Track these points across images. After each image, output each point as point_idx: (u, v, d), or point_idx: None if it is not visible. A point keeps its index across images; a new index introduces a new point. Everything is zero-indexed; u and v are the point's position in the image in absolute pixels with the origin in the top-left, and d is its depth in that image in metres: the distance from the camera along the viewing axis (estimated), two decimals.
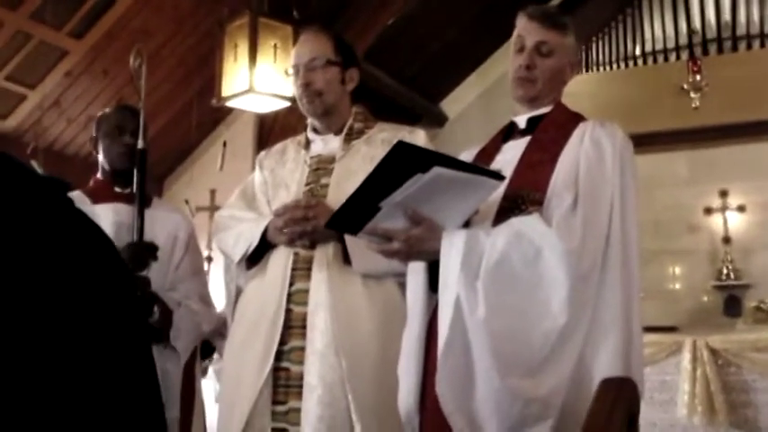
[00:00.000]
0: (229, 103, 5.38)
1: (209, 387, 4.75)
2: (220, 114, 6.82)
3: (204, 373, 4.08)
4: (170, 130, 6.58)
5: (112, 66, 5.96)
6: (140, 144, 3.07)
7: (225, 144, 5.21)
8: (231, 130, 6.97)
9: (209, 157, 6.95)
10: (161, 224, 3.20)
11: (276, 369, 2.59)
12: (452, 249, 2.06)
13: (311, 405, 2.51)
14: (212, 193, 6.41)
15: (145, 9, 5.77)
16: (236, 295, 2.86)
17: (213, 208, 6.23)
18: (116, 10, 5.70)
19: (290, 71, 2.85)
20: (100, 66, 6.01)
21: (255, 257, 2.77)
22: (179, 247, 3.27)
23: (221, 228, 2.91)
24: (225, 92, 5.25)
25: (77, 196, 3.13)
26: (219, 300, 3.21)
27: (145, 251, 3.00)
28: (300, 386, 2.55)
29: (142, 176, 3.07)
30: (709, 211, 7.20)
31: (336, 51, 2.82)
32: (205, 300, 3.34)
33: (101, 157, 3.25)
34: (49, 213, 0.87)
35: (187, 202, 6.03)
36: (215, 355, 3.77)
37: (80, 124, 6.37)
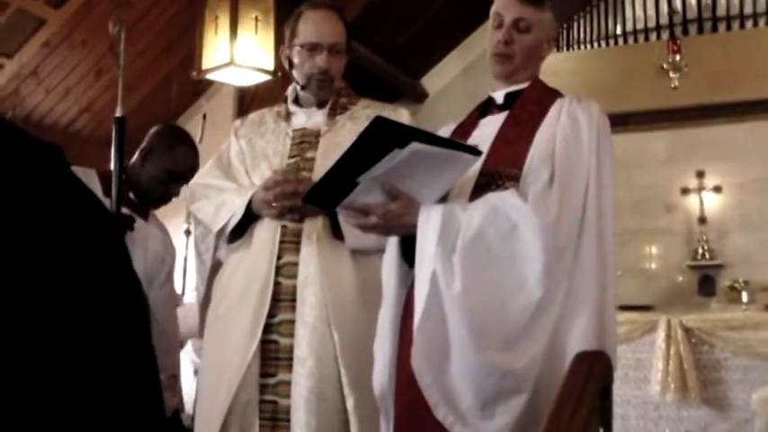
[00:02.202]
0: (210, 76, 5.35)
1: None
2: (201, 87, 6.78)
3: None
4: (150, 101, 6.53)
5: (91, 36, 5.90)
6: (118, 112, 3.07)
7: (204, 117, 5.19)
8: (211, 102, 6.93)
9: (188, 130, 6.89)
10: (153, 241, 3.27)
11: (264, 342, 2.59)
12: (429, 224, 2.08)
13: (301, 377, 2.53)
14: None
15: None
16: (211, 267, 2.85)
17: None
18: None
19: (300, 44, 2.80)
20: (78, 36, 5.95)
21: (237, 229, 2.75)
22: (165, 271, 3.37)
23: (198, 196, 2.89)
24: (205, 64, 5.22)
25: (90, 175, 3.15)
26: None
27: (121, 222, 3.02)
28: (290, 359, 2.56)
29: (120, 145, 3.07)
30: (685, 191, 7.25)
31: (347, 38, 2.83)
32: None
33: (135, 169, 3.27)
34: (50, 180, 0.86)
35: None
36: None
37: (58, 94, 6.31)
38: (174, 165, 3.26)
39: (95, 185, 3.12)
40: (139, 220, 3.22)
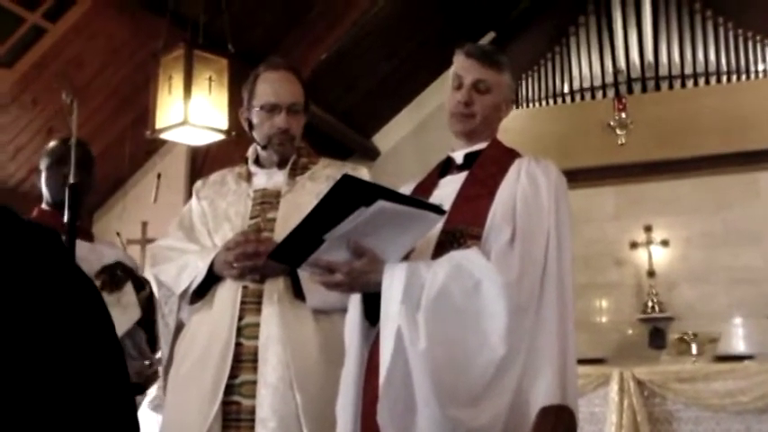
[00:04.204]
0: (164, 136, 5.35)
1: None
2: (153, 146, 6.77)
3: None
4: (102, 161, 6.42)
5: (42, 95, 5.87)
6: (72, 179, 3.06)
7: (159, 176, 5.17)
8: (164, 161, 6.92)
9: (140, 189, 6.88)
10: (107, 257, 3.24)
11: (226, 403, 2.57)
12: (394, 282, 2.10)
13: None
14: (144, 225, 6.34)
15: (77, 39, 5.71)
16: (175, 329, 2.84)
17: (145, 241, 6.16)
18: (47, 39, 5.63)
19: (259, 105, 2.84)
20: (29, 95, 5.92)
21: (200, 291, 2.75)
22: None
23: (161, 259, 2.88)
24: (159, 124, 5.22)
25: None
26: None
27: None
28: (252, 420, 2.54)
29: (73, 211, 3.06)
30: (634, 245, 7.37)
31: (305, 97, 2.87)
32: None
33: (43, 189, 3.28)
34: (43, 263, 0.93)
35: (119, 234, 5.96)
36: (152, 391, 3.75)
37: (8, 154, 6.25)
38: (53, 156, 3.27)
39: None
40: (85, 243, 3.19)
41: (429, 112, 7.90)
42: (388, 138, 8.57)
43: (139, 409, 4.32)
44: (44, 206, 3.31)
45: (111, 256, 3.34)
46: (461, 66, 2.42)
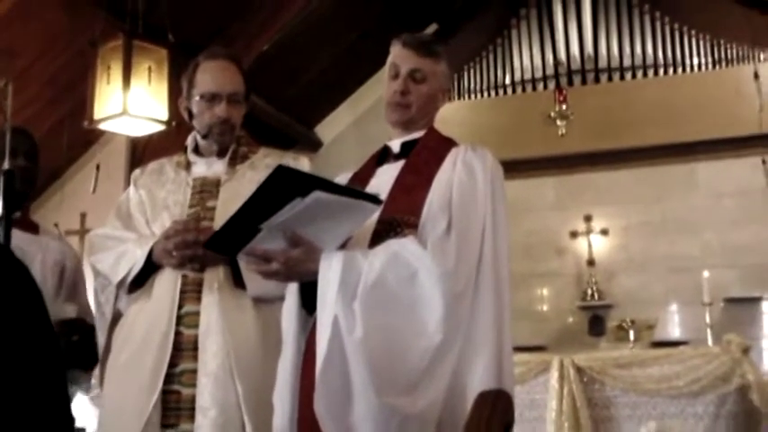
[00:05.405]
0: (102, 126, 5.27)
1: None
2: (92, 137, 6.67)
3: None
4: (40, 150, 6.37)
5: None
6: (6, 165, 3.01)
7: (98, 167, 5.09)
8: (104, 152, 6.83)
9: (79, 180, 6.79)
10: (50, 251, 3.18)
11: (165, 392, 2.56)
12: (330, 270, 2.10)
13: (204, 427, 2.50)
14: (82, 216, 6.26)
15: (12, 25, 5.59)
16: (112, 319, 2.81)
17: (83, 232, 6.09)
18: None
19: (199, 95, 2.81)
20: None
21: (138, 280, 2.72)
22: (67, 276, 3.26)
23: (98, 248, 2.85)
24: (97, 114, 5.14)
25: None
26: None
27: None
28: (192, 409, 2.53)
29: (8, 199, 3.00)
30: (574, 234, 7.48)
31: (245, 86, 2.85)
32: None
33: None
34: None
35: (56, 225, 5.87)
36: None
37: None
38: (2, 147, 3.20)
39: None
40: (29, 235, 3.13)
41: (371, 104, 7.92)
42: (330, 128, 8.58)
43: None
44: None
45: (55, 250, 3.28)
46: (397, 55, 2.43)
